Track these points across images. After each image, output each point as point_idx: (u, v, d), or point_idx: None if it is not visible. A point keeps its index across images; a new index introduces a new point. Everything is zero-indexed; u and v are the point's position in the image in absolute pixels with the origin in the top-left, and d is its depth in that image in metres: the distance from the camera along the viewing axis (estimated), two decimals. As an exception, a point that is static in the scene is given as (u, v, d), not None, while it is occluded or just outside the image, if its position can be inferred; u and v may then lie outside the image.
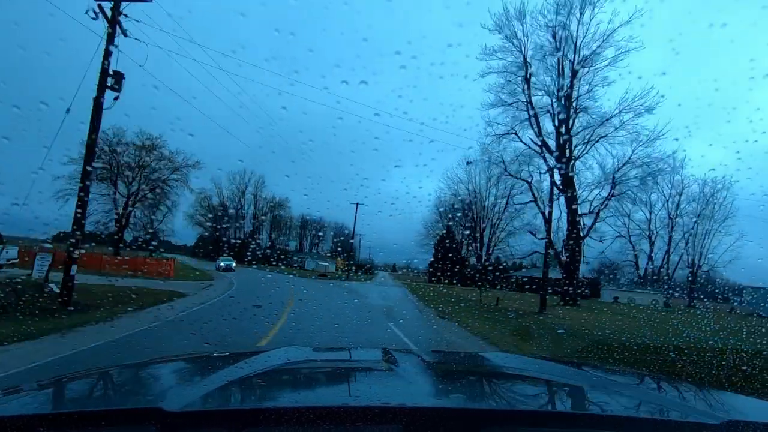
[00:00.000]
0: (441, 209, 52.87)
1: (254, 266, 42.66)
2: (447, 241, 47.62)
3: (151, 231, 46.63)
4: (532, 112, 28.29)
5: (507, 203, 42.92)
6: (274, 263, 50.37)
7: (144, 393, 1.40)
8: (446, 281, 46.80)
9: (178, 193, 51.41)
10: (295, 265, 62.87)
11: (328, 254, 77.45)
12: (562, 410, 1.26)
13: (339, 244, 74.77)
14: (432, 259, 53.22)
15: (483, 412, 1.08)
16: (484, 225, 48.70)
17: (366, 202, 40.54)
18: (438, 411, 1.05)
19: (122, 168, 41.62)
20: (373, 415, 1.00)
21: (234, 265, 37.25)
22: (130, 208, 44.38)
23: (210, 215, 77.19)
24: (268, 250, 65.31)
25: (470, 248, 52.49)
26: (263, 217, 77.96)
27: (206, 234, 78.68)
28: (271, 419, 0.98)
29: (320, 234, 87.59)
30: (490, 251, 49.22)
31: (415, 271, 64.60)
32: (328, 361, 1.90)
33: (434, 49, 44.38)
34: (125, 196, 42.98)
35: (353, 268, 39.42)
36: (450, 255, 48.18)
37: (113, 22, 11.15)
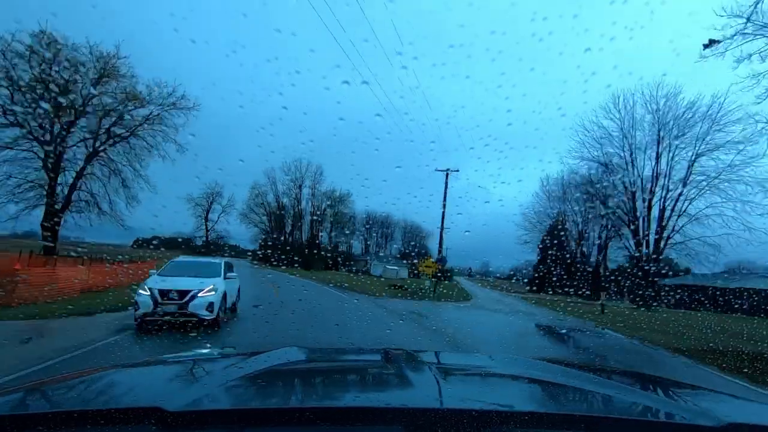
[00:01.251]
0: (548, 188, 42.83)
1: (310, 273, 39.94)
2: (559, 234, 36.98)
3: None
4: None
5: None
6: (335, 267, 49.18)
7: (144, 392, 1.40)
8: (560, 290, 36.24)
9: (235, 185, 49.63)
10: (360, 269, 58.01)
11: (397, 255, 70.14)
12: (562, 412, 1.25)
13: (412, 244, 67.99)
14: (538, 259, 42.65)
15: (484, 413, 1.08)
16: (647, 203, 34.35)
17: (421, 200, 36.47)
18: (439, 412, 1.07)
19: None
20: (374, 416, 1.04)
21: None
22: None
23: (264, 213, 75.04)
24: (328, 254, 61.02)
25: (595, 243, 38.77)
26: (321, 215, 73.78)
27: (263, 234, 76.52)
28: (271, 419, 1.02)
29: (387, 233, 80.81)
30: (661, 247, 33.90)
31: (496, 276, 57.94)
32: (329, 362, 1.95)
33: (435, 49, 41.42)
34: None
35: (440, 275, 30.42)
36: (563, 255, 37.34)
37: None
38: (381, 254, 71.89)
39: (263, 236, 73.44)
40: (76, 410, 0.99)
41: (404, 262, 58.99)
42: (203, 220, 72.16)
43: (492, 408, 1.18)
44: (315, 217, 72.89)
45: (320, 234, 73.79)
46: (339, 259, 61.80)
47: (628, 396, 1.47)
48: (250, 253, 72.55)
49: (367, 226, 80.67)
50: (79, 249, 21.86)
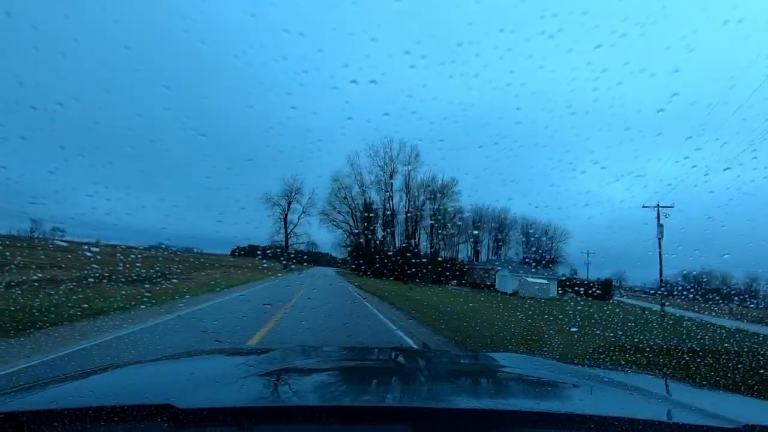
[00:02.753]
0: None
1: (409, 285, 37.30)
2: None
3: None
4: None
5: None
6: (443, 279, 44.07)
7: (155, 389, 1.43)
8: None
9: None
10: (480, 282, 48.41)
11: (529, 261, 58.34)
12: (571, 411, 1.24)
13: (549, 247, 59.52)
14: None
15: (491, 412, 1.11)
16: None
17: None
18: (446, 411, 1.09)
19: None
20: (383, 415, 1.06)
21: None
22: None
23: (348, 210, 64.79)
24: (429, 261, 50.44)
25: None
26: (418, 209, 63.20)
27: (347, 236, 67.66)
28: (280, 417, 1.05)
29: (532, 234, 64.14)
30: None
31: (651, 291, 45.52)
32: (338, 361, 2.01)
33: (444, 48, 43.68)
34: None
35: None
36: None
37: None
38: (503, 260, 59.28)
39: (348, 239, 65.14)
40: (90, 407, 1.02)
41: (549, 271, 45.34)
42: (281, 222, 65.61)
43: (500, 407, 1.20)
44: (411, 214, 63.50)
45: (418, 234, 63.96)
46: (447, 267, 53.15)
47: (640, 396, 1.46)
48: (340, 262, 70.36)
49: (477, 225, 67.45)
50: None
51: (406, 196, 65.37)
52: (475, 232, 71.27)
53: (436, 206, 62.44)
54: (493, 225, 71.77)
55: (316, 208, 65.90)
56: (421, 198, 62.37)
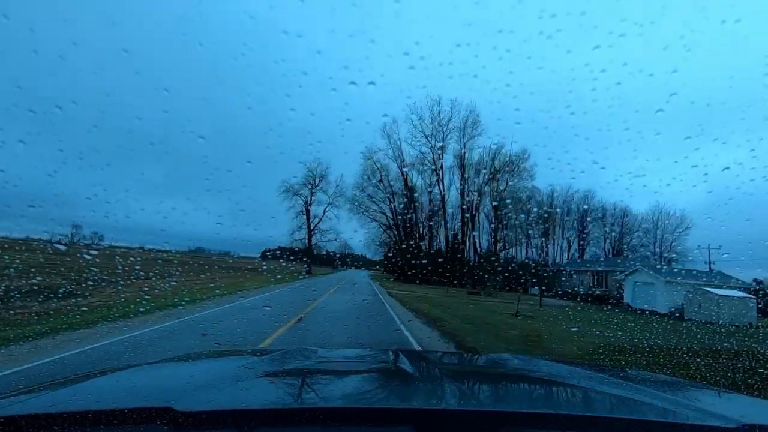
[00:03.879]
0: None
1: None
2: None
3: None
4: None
5: None
6: (517, 285, 36.33)
7: (156, 392, 1.46)
8: None
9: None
10: (579, 289, 35.03)
11: (656, 262, 43.87)
12: (574, 413, 1.28)
13: (670, 241, 44.19)
14: None
15: (494, 414, 1.14)
16: None
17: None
18: (449, 413, 1.12)
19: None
20: (385, 417, 1.09)
21: None
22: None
23: (383, 198, 55.73)
24: (494, 274, 40.32)
25: None
26: (477, 191, 52.01)
27: (383, 234, 57.82)
28: (281, 419, 1.07)
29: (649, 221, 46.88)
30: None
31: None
32: (339, 362, 2.07)
33: (442, 49, 45.50)
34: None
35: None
36: None
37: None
38: (633, 258, 44.24)
39: (384, 234, 55.59)
40: (89, 410, 1.07)
41: (721, 278, 28.86)
42: (303, 217, 56.31)
43: (503, 409, 1.22)
44: (468, 198, 51.93)
45: (477, 226, 53.50)
46: (528, 271, 43.01)
47: (640, 396, 1.52)
48: (377, 264, 62.95)
49: (551, 213, 53.82)
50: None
51: (461, 176, 53.04)
52: (558, 219, 54.02)
53: (501, 187, 49.70)
54: (572, 212, 55.49)
55: (345, 197, 56.29)
56: (482, 177, 50.38)
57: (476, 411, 1.16)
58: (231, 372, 1.63)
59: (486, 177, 49.83)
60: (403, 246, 49.95)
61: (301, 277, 42.38)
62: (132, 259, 16.48)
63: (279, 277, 31.62)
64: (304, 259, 50.66)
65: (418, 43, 46.44)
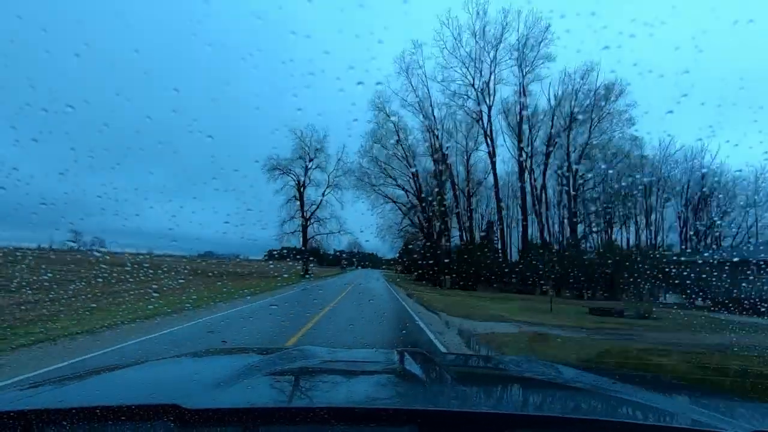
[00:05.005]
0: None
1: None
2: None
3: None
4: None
5: None
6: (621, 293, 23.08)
7: (163, 389, 1.49)
8: None
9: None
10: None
11: None
12: (579, 416, 1.27)
13: None
14: None
15: (498, 416, 1.14)
16: None
17: None
18: (453, 414, 1.11)
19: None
20: (389, 417, 1.08)
21: None
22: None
23: (403, 169, 40.53)
24: (643, 275, 24.57)
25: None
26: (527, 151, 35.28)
27: (403, 222, 42.74)
28: (286, 418, 1.09)
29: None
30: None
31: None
32: (344, 362, 2.04)
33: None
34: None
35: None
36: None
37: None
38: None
39: (403, 222, 42.69)
40: (97, 406, 1.09)
41: None
42: (296, 203, 43.81)
43: (506, 411, 1.23)
44: (551, 147, 33.16)
45: (545, 200, 37.36)
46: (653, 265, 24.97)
47: (647, 401, 1.51)
48: (392, 263, 55.13)
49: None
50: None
51: (518, 126, 36.01)
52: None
53: (587, 137, 32.78)
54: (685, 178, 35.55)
55: (350, 174, 42.64)
56: (557, 124, 33.62)
57: (481, 413, 1.16)
58: (237, 370, 1.64)
59: (564, 122, 34.32)
60: (432, 234, 38.06)
61: (305, 277, 37.15)
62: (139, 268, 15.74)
63: (263, 284, 26.05)
64: (310, 258, 44.48)
65: (426, 44, 46.56)
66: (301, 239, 44.35)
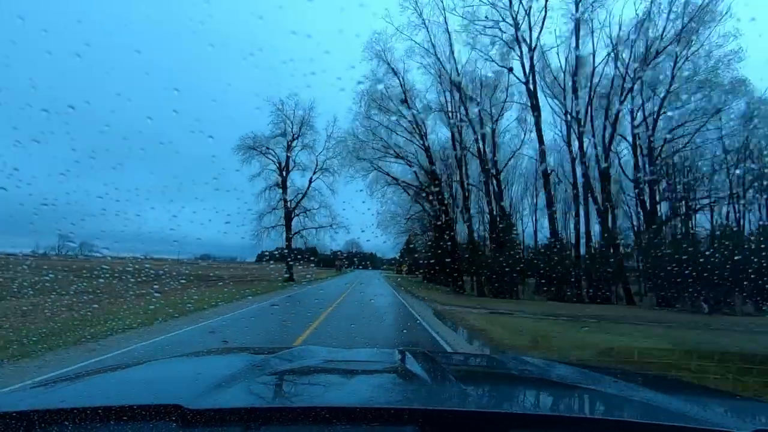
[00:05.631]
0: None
1: None
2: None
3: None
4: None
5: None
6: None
7: (165, 389, 1.51)
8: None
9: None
10: None
11: None
12: (582, 415, 1.28)
13: None
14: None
15: (500, 415, 1.13)
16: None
17: None
18: (454, 414, 1.11)
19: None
20: (389, 416, 1.08)
21: None
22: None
23: (413, 138, 31.47)
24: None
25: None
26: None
27: (411, 208, 33.99)
28: (288, 418, 1.09)
29: None
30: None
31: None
32: (345, 362, 2.06)
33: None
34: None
35: None
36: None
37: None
38: None
39: (412, 209, 34.20)
40: (99, 406, 1.10)
41: None
42: (278, 191, 35.70)
43: (507, 410, 1.22)
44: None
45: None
46: None
47: (649, 399, 1.50)
48: (393, 263, 50.75)
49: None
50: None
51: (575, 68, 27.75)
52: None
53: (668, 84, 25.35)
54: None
55: (344, 145, 34.20)
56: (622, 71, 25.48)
57: (482, 412, 1.16)
58: (239, 370, 1.66)
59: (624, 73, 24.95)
60: (450, 224, 29.02)
61: (288, 282, 29.97)
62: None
63: (218, 295, 17.88)
64: (311, 258, 37.90)
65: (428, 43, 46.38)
66: (284, 236, 35.82)
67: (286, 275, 34.19)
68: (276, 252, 36.30)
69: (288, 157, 35.41)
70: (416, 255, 37.40)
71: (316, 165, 36.45)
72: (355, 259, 47.31)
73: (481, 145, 30.36)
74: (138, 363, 2.00)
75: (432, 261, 31.43)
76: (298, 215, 36.71)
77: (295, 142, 35.61)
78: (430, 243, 33.05)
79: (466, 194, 31.52)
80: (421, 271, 38.11)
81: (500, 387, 1.76)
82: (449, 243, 29.67)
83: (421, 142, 30.98)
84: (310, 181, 36.74)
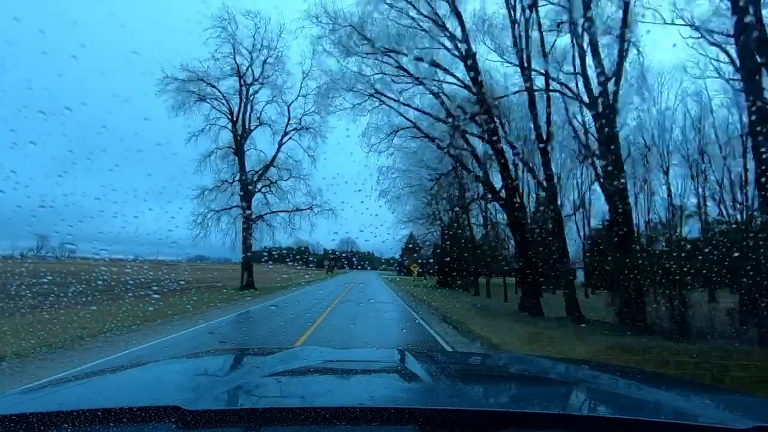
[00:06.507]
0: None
1: None
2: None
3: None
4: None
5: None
6: None
7: (164, 391, 1.49)
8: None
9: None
10: None
11: None
12: (581, 413, 1.28)
13: None
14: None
15: (499, 414, 1.13)
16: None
17: None
18: (453, 413, 1.11)
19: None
20: (389, 416, 1.08)
21: None
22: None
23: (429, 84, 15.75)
24: None
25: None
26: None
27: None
28: (287, 418, 1.08)
29: None
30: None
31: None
32: (344, 362, 2.04)
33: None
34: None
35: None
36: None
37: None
38: None
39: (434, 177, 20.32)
40: (98, 408, 1.10)
41: None
42: (231, 161, 26.11)
43: (507, 409, 1.21)
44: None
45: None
46: None
47: (649, 397, 1.51)
48: (392, 263, 46.21)
49: None
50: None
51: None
52: None
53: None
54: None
55: (324, 72, 20.23)
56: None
57: (481, 411, 1.16)
58: (238, 370, 1.65)
59: None
60: (514, 197, 16.95)
61: (244, 291, 21.69)
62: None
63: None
64: (311, 259, 32.07)
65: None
66: (240, 224, 26.02)
67: (243, 282, 24.98)
68: (274, 252, 27.45)
69: (244, 107, 24.93)
70: (446, 246, 25.17)
71: (287, 125, 26.30)
72: (354, 259, 43.32)
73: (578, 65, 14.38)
74: (137, 364, 2.02)
75: (465, 255, 20.17)
76: (260, 191, 26.53)
77: (254, 87, 25.30)
78: (457, 231, 21.84)
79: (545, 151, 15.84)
80: (431, 272, 27.86)
81: (500, 385, 1.76)
82: (516, 227, 17.16)
83: (452, 52, 16.98)
84: (280, 145, 26.47)
